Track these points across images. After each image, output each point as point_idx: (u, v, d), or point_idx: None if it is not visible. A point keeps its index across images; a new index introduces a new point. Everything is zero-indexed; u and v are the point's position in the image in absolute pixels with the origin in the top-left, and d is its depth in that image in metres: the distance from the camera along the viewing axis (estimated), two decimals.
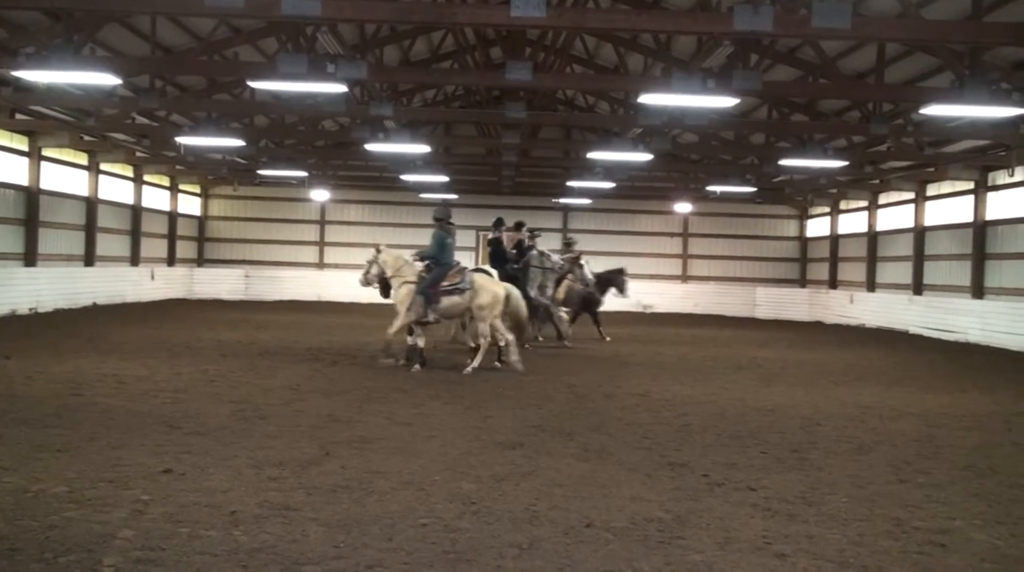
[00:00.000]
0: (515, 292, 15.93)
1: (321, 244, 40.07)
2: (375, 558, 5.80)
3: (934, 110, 16.48)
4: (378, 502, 7.06)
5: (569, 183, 32.64)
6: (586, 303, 22.47)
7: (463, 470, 8.20)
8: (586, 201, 37.84)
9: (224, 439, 9.20)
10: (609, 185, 31.85)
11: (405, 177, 31.94)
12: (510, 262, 19.55)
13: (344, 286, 35.36)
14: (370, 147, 24.50)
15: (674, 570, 5.78)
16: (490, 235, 20.17)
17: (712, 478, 8.20)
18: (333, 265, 39.27)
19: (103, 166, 30.55)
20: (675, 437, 10.20)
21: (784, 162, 25.21)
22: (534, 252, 19.94)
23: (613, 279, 22.86)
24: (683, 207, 38.81)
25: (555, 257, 20.42)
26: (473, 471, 8.17)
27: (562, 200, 37.75)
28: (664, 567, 5.82)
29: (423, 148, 25.23)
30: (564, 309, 21.76)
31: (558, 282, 20.80)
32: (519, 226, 20.74)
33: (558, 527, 6.56)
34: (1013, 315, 23.04)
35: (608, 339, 21.93)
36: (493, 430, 10.23)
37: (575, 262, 21.57)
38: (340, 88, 16.38)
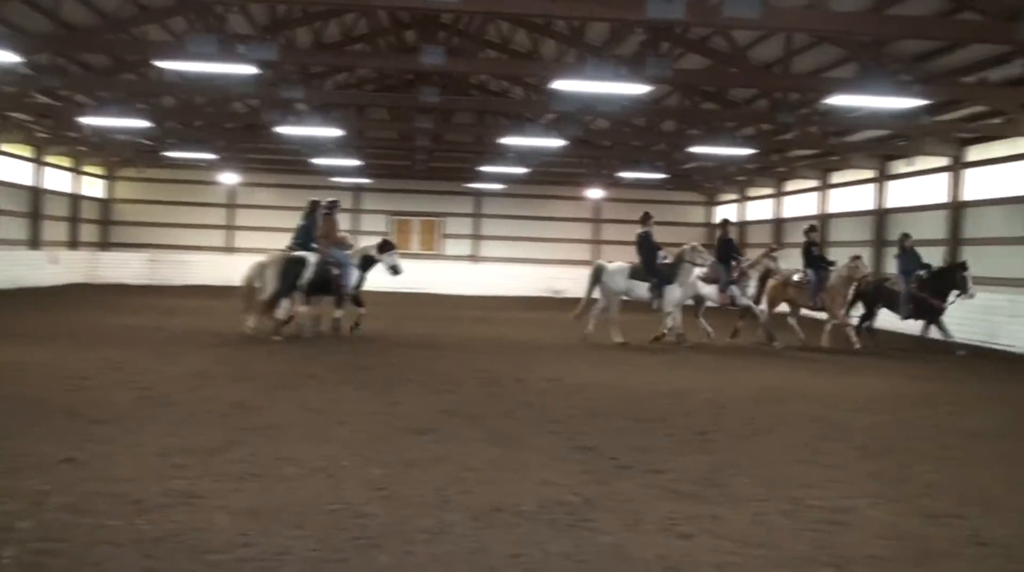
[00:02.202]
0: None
1: (230, 228, 39.47)
2: (283, 545, 5.77)
3: (839, 100, 16.89)
4: (287, 489, 7.02)
5: (482, 168, 32.67)
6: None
7: (373, 456, 8.18)
8: (499, 186, 37.92)
9: (129, 427, 9.04)
10: (522, 170, 31.97)
11: (317, 161, 31.62)
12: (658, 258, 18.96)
13: None
14: (281, 130, 24.20)
15: (582, 552, 5.86)
16: (640, 230, 19.41)
17: (620, 461, 8.32)
18: (243, 249, 38.69)
19: (1, 147, 29.61)
20: (585, 421, 10.31)
21: (694, 149, 25.61)
22: (686, 247, 19.40)
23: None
24: (595, 193, 39.15)
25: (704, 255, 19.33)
26: (383, 457, 8.16)
27: (475, 185, 37.77)
28: (573, 550, 5.90)
29: (335, 131, 25.00)
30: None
31: (762, 280, 20.13)
32: (647, 217, 19.92)
33: (468, 512, 6.60)
34: None
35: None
36: (403, 416, 10.23)
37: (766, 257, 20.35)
38: (250, 70, 16.14)
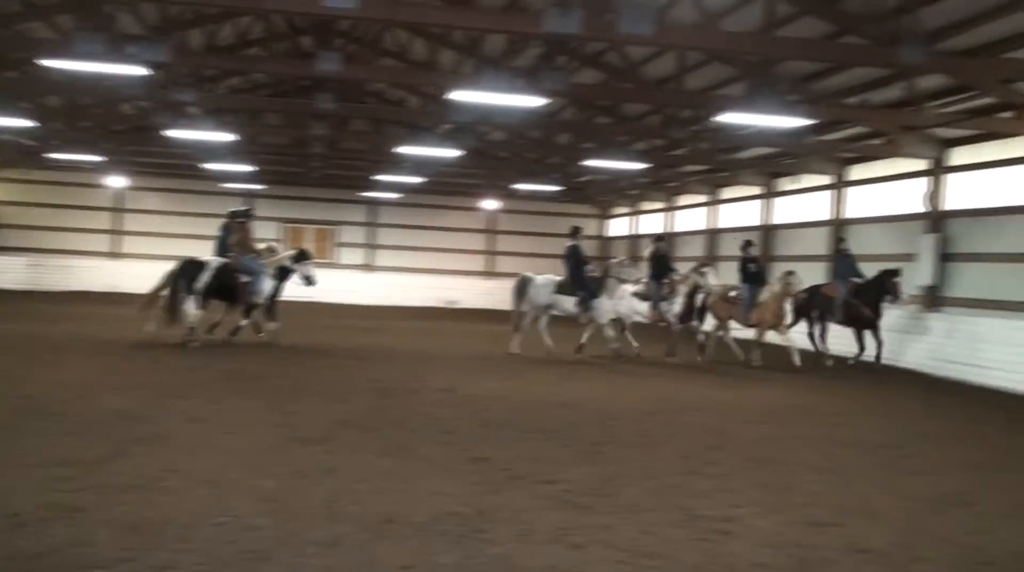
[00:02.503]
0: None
1: (117, 232, 38.42)
2: (168, 560, 5.63)
3: (728, 117, 17.25)
4: (172, 502, 6.85)
5: (377, 177, 32.49)
6: None
7: (262, 467, 8.05)
8: (394, 195, 37.75)
9: (8, 437, 8.72)
10: (418, 180, 31.89)
11: (209, 166, 31.00)
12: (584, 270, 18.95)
13: (143, 277, 34.03)
14: (171, 133, 23.67)
15: (473, 564, 5.86)
16: (568, 243, 19.27)
17: (513, 472, 8.35)
18: (131, 255, 37.69)
19: None
20: (478, 432, 10.32)
21: (588, 163, 25.90)
22: (613, 261, 19.70)
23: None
24: (490, 204, 39.29)
25: (633, 271, 19.46)
26: (273, 468, 8.04)
27: (370, 194, 37.54)
28: (464, 560, 5.89)
29: (228, 136, 24.55)
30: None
31: (690, 296, 19.54)
32: (576, 231, 19.81)
33: (359, 523, 6.54)
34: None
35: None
36: (295, 426, 10.09)
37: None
38: (140, 71, 15.75)
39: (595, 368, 17.43)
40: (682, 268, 21.15)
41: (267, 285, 18.20)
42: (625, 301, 19.56)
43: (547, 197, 36.91)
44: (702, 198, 33.09)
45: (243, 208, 18.99)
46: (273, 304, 18.54)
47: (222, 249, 18.06)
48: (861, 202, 24.48)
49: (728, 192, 31.65)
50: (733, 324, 20.27)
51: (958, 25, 14.99)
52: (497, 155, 32.31)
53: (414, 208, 39.22)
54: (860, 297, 18.92)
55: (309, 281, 19.01)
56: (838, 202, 25.20)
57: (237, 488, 7.30)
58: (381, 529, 6.44)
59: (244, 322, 18.26)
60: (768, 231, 28.58)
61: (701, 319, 20.10)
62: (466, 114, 20.45)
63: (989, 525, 7.40)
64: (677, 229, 35.35)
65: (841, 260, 19.67)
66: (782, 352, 19.08)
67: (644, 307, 19.91)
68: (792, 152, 24.30)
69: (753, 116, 16.75)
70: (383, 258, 40.07)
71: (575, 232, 19.50)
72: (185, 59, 20.02)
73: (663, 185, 33.87)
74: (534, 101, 16.68)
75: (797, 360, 18.43)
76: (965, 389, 16.78)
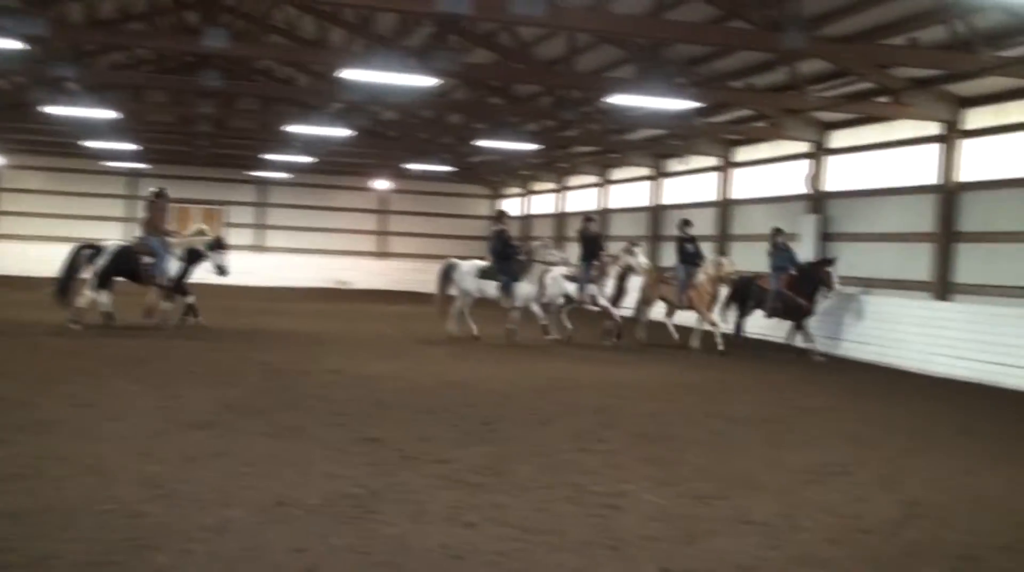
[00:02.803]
0: None
1: None
2: (49, 550, 5.48)
3: (618, 99, 17.46)
4: (54, 490, 6.67)
5: (267, 156, 31.96)
6: None
7: (149, 452, 7.89)
8: (284, 175, 37.19)
9: None
10: (308, 160, 31.47)
11: (90, 144, 30.04)
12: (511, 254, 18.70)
13: (23, 259, 32.93)
14: (50, 110, 22.86)
15: (367, 544, 5.85)
16: (494, 227, 19.06)
17: (405, 452, 8.36)
18: (9, 236, 36.32)
19: None
20: (370, 413, 10.29)
21: (480, 143, 25.92)
22: (537, 244, 19.33)
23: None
24: (382, 184, 39.03)
25: (556, 253, 18.97)
26: (160, 453, 7.89)
27: (259, 173, 36.89)
28: (357, 542, 5.88)
29: (110, 114, 23.81)
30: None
31: (621, 278, 19.14)
32: (501, 215, 19.77)
33: (249, 507, 6.46)
34: None
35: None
36: (182, 410, 9.91)
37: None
38: (16, 45, 15.15)
39: (487, 348, 17.51)
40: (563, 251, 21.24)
41: (172, 267, 17.82)
42: (556, 283, 19.13)
43: (439, 177, 36.82)
44: (593, 179, 33.44)
45: (156, 189, 18.53)
46: (177, 286, 18.09)
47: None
48: (746, 183, 25.06)
49: (618, 173, 32.05)
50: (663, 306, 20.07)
51: (837, 12, 15.44)
52: (388, 135, 32.07)
53: (305, 188, 38.73)
54: (795, 289, 18.06)
55: (222, 271, 18.61)
56: (725, 183, 25.76)
57: (122, 474, 7.15)
58: (272, 512, 6.39)
59: (167, 305, 18.06)
60: (658, 211, 29.03)
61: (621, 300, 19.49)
62: (357, 93, 20.23)
63: (866, 494, 7.69)
64: (568, 209, 35.64)
65: (777, 253, 18.58)
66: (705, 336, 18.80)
67: (574, 289, 19.29)
68: (680, 134, 24.72)
69: (642, 98, 16.98)
70: (273, 239, 39.46)
71: (500, 216, 19.37)
72: (64, 33, 19.36)
73: (555, 166, 34.12)
74: (425, 81, 16.61)
75: (721, 347, 17.88)
76: (846, 365, 17.35)
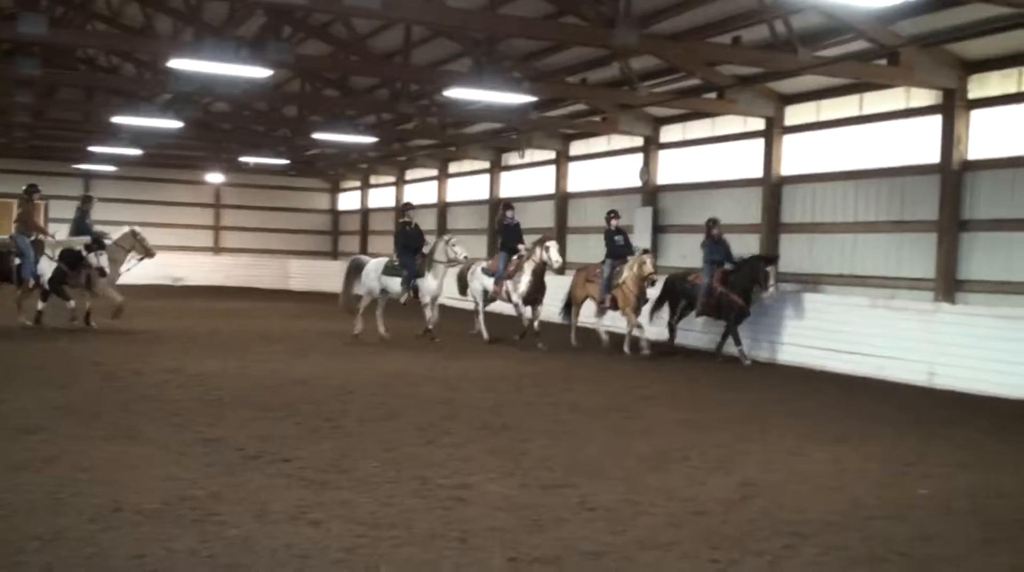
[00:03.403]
0: None
1: None
2: None
3: (455, 93, 17.51)
4: None
5: (92, 148, 30.66)
6: None
7: None
8: (111, 168, 35.75)
9: None
10: (136, 152, 30.37)
11: None
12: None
13: None
14: None
15: (209, 547, 5.71)
16: (401, 220, 18.37)
17: (247, 452, 8.19)
18: None
19: None
20: (209, 412, 10.04)
21: (316, 136, 25.56)
22: (440, 239, 18.23)
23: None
24: (215, 178, 38.02)
25: (459, 248, 17.73)
26: None
27: (84, 166, 35.34)
28: (199, 545, 5.73)
29: None
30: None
31: (537, 273, 17.53)
32: (407, 207, 19.18)
33: (84, 514, 6.22)
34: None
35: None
36: (9, 415, 9.45)
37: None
38: None
39: (330, 343, 17.30)
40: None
41: (44, 267, 17.31)
42: (476, 279, 18.61)
43: (275, 170, 36.12)
44: (432, 172, 33.44)
45: (27, 186, 17.92)
46: (58, 289, 17.74)
47: (80, 229, 18.08)
48: (582, 176, 25.54)
49: (457, 166, 32.15)
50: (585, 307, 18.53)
51: (667, 10, 15.87)
52: (221, 127, 31.23)
53: (134, 182, 37.26)
54: (728, 285, 16.39)
55: (101, 272, 17.98)
56: (561, 176, 26.18)
57: None
58: (109, 519, 6.16)
59: (41, 306, 17.83)
60: (496, 204, 29.26)
61: (538, 299, 17.89)
62: (187, 84, 19.64)
63: (702, 477, 7.97)
64: (412, 202, 35.52)
65: (712, 246, 16.89)
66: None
67: (490, 283, 18.40)
68: (517, 127, 24.96)
69: (479, 92, 17.08)
70: None
71: (405, 208, 18.94)
72: None
73: (393, 159, 33.95)
74: (258, 72, 16.27)
75: (646, 351, 16.76)
76: (686, 353, 17.69)
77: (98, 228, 18.61)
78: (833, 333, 15.68)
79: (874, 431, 10.48)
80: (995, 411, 12.15)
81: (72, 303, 17.84)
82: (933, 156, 15.62)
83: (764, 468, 8.44)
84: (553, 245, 17.56)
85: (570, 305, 18.70)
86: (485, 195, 29.97)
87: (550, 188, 26.55)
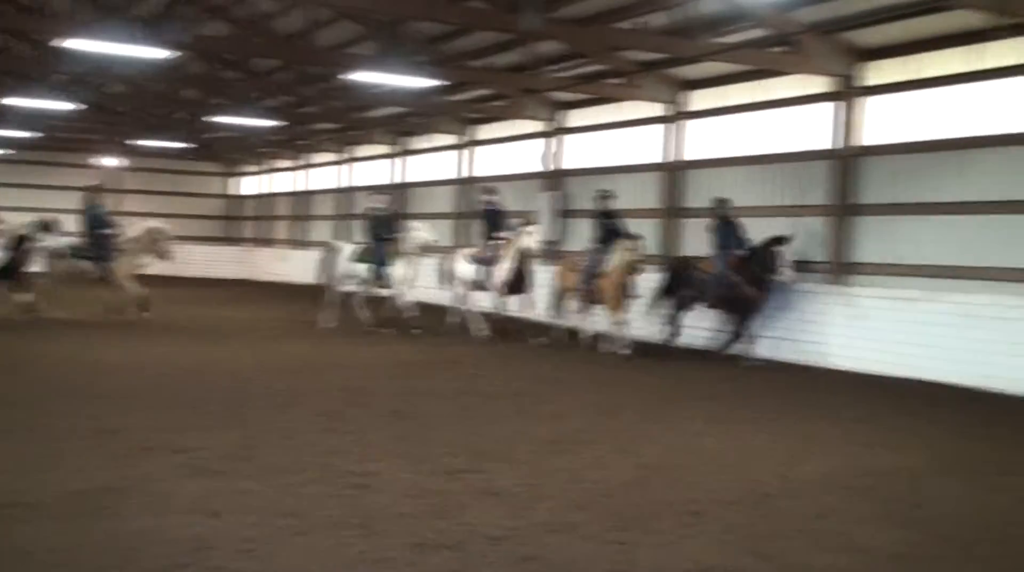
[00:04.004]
0: None
1: None
2: None
3: (359, 76, 17.34)
4: None
5: None
6: None
7: None
8: (2, 151, 34.56)
9: None
10: (28, 135, 29.42)
11: None
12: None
13: None
14: None
15: (110, 541, 5.56)
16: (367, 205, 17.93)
17: (146, 442, 8.00)
18: None
19: None
20: (105, 401, 9.79)
21: (216, 119, 25.08)
22: (413, 225, 17.62)
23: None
24: (112, 161, 37.02)
25: (427, 234, 17.10)
26: None
27: None
28: (101, 539, 5.59)
29: None
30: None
31: (519, 262, 16.70)
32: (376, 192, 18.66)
33: None
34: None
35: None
36: None
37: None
38: None
39: (232, 330, 17.02)
40: (321, 228, 20.70)
41: None
42: (458, 267, 17.77)
43: (173, 154, 35.35)
44: (335, 156, 33.10)
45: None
46: (19, 277, 17.38)
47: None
48: (487, 161, 25.54)
49: (361, 150, 31.87)
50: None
51: None
52: (117, 110, 30.42)
53: (26, 165, 36.06)
54: (743, 273, 14.82)
55: (57, 253, 17.67)
56: (466, 161, 26.14)
57: None
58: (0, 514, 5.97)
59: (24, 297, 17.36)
60: (401, 189, 29.11)
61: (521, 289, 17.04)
62: (81, 64, 19.07)
63: (606, 461, 8.05)
64: (311, 187, 35.18)
65: (722, 228, 15.33)
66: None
67: (474, 272, 17.46)
68: (421, 111, 24.83)
69: (383, 75, 16.95)
70: None
71: (376, 193, 18.57)
72: None
73: (295, 143, 33.50)
74: (156, 53, 15.88)
75: (626, 349, 15.34)
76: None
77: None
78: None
79: (775, 412, 10.72)
80: (892, 391, 12.52)
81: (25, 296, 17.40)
82: (829, 142, 16.01)
83: (665, 449, 8.57)
84: (536, 229, 16.61)
85: (559, 299, 17.11)
86: (389, 179, 29.77)
87: (454, 173, 26.50)
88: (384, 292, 17.60)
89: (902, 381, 13.09)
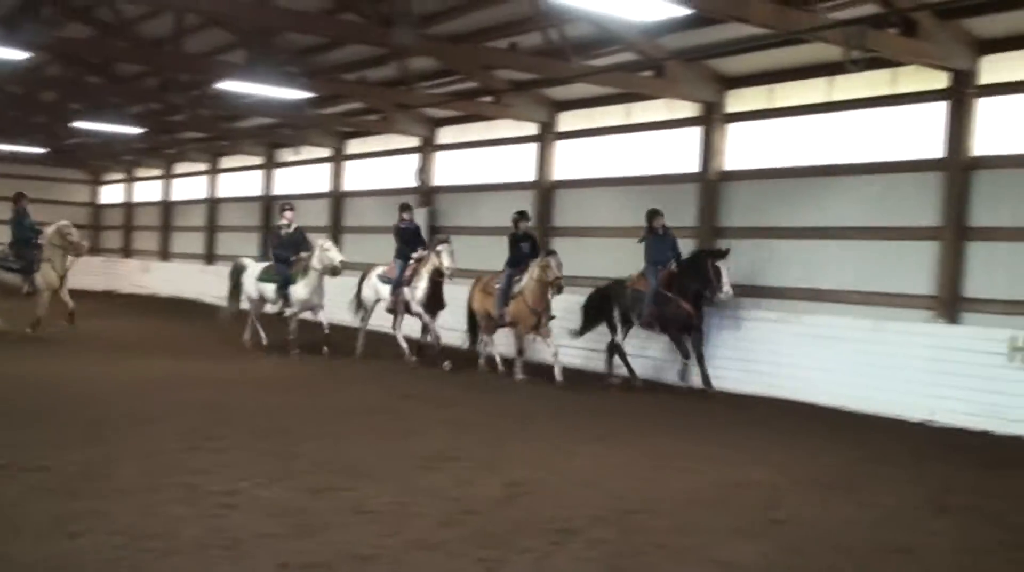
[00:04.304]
0: None
1: None
2: None
3: (229, 85, 17.05)
4: None
5: None
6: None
7: None
8: None
9: None
10: None
11: None
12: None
13: None
14: None
15: None
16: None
17: None
18: None
19: None
20: None
21: (77, 124, 24.29)
22: (321, 243, 16.42)
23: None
24: None
25: (334, 253, 16.01)
26: None
27: None
28: None
29: None
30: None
31: (434, 281, 15.68)
32: (285, 208, 17.32)
33: None
34: None
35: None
36: None
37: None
38: None
39: (87, 343, 16.46)
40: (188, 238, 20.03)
41: None
42: (370, 286, 16.82)
43: (31, 159, 34.01)
44: (202, 166, 32.41)
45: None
46: None
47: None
48: (359, 175, 25.41)
49: (229, 161, 31.30)
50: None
51: (446, 12, 16.03)
52: None
53: None
54: (676, 289, 13.98)
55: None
56: (337, 174, 25.96)
57: None
58: None
59: None
60: (270, 201, 28.70)
61: (433, 310, 15.96)
62: None
63: (470, 478, 8.09)
64: (175, 198, 34.37)
65: (655, 242, 14.48)
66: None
67: (386, 291, 16.51)
68: (293, 124, 24.54)
69: (253, 85, 16.71)
70: None
71: (283, 210, 17.37)
72: None
73: (161, 151, 32.65)
74: (13, 54, 15.32)
75: (559, 375, 14.22)
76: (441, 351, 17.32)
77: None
78: (599, 336, 15.88)
79: (635, 429, 10.94)
80: (751, 410, 12.85)
81: None
82: (694, 166, 16.47)
83: (531, 466, 8.65)
84: (445, 248, 15.43)
85: (474, 324, 16.11)
86: (259, 192, 29.30)
87: (326, 186, 26.26)
88: (289, 313, 16.68)
89: (759, 400, 13.48)
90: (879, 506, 7.79)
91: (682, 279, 14.00)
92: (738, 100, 16.02)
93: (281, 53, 18.90)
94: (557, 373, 14.24)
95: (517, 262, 15.30)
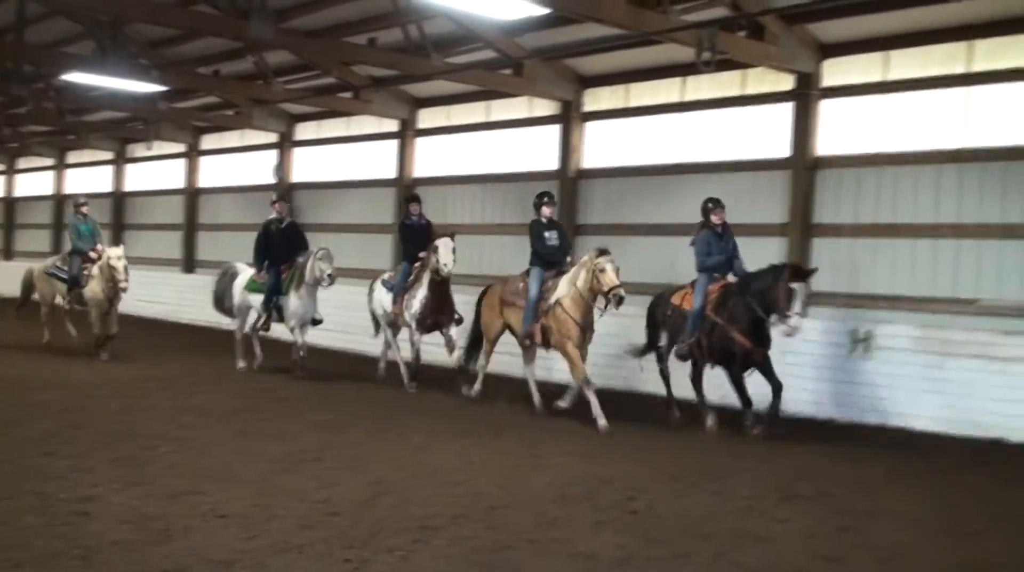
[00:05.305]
0: None
1: None
2: None
3: (76, 77, 16.47)
4: None
5: None
6: None
7: None
8: None
9: None
10: None
11: None
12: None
13: None
14: None
15: None
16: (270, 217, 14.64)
17: None
18: None
19: None
20: None
21: None
22: (313, 252, 14.04)
23: None
24: None
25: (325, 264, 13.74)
26: None
27: None
28: None
29: None
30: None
31: (435, 285, 13.10)
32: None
33: None
34: (152, 283, 23.88)
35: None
36: None
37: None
38: None
39: None
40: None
41: None
42: (376, 296, 14.43)
43: None
44: (48, 161, 31.17)
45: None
46: None
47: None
48: (214, 171, 24.85)
49: (77, 156, 30.18)
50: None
51: (303, 6, 15.82)
52: None
53: None
54: (727, 311, 10.80)
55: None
56: (192, 170, 25.33)
57: None
58: None
59: None
60: (120, 198, 27.81)
61: (442, 321, 13.37)
62: None
63: (334, 479, 8.03)
64: (19, 194, 32.96)
65: (713, 241, 11.29)
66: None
67: (389, 300, 14.03)
68: (145, 118, 23.82)
69: (102, 78, 16.19)
70: None
71: (276, 201, 15.28)
72: None
73: (3, 146, 31.25)
74: None
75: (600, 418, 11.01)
76: (328, 352, 16.79)
77: None
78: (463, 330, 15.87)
79: (498, 428, 10.97)
80: (614, 405, 12.81)
81: None
82: (553, 163, 16.69)
83: (393, 465, 8.66)
84: (443, 243, 12.84)
85: (479, 343, 13.01)
86: (109, 188, 28.34)
87: (180, 182, 25.59)
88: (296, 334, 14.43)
89: (618, 395, 13.62)
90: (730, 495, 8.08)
91: (739, 298, 10.77)
92: (595, 99, 16.31)
93: (132, 44, 18.32)
94: (597, 418, 10.89)
95: (547, 259, 12.00)
